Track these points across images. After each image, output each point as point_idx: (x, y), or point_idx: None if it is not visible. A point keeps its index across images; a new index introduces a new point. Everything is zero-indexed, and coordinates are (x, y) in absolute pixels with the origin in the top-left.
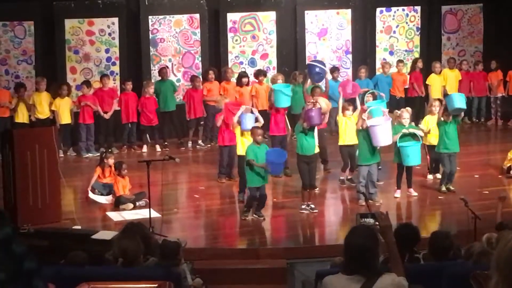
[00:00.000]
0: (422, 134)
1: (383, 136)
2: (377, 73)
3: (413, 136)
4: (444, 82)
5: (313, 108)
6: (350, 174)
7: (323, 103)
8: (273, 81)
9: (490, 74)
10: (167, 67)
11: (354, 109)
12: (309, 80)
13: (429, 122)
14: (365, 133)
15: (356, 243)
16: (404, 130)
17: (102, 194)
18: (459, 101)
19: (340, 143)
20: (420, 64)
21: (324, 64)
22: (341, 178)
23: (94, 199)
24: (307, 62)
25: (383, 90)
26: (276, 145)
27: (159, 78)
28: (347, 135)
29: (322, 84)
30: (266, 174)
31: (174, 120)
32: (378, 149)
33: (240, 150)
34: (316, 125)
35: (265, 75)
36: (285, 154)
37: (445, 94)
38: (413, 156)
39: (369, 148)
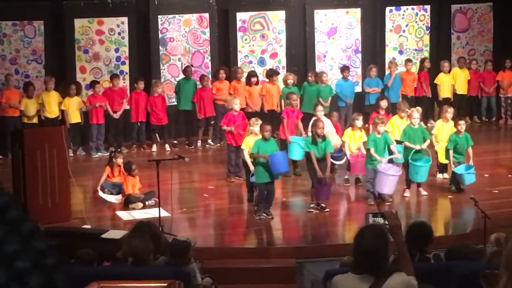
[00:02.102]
0: (429, 142)
1: (388, 185)
2: (387, 72)
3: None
4: (453, 81)
5: (324, 186)
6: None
7: (334, 140)
8: (285, 81)
9: (501, 73)
10: (192, 65)
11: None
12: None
13: (441, 128)
14: (374, 137)
15: (366, 244)
16: (417, 147)
17: (111, 193)
18: (469, 180)
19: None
20: (427, 64)
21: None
22: (345, 177)
23: (104, 198)
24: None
25: (395, 89)
26: (286, 149)
27: (183, 76)
28: (352, 148)
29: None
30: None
31: (189, 119)
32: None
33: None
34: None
35: (277, 75)
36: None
37: (454, 94)
38: (422, 174)
39: (378, 153)
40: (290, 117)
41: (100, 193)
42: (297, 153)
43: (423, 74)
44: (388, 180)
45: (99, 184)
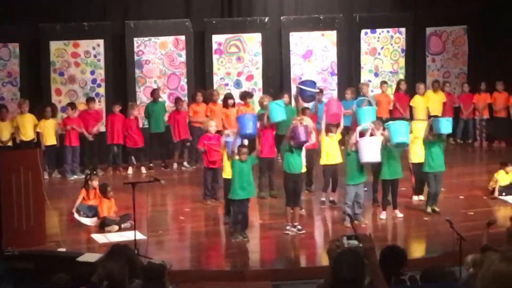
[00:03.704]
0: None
1: (370, 151)
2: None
3: None
4: (427, 103)
5: (300, 126)
6: (332, 195)
7: (308, 120)
8: (260, 103)
9: (477, 95)
10: (159, 88)
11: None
12: (300, 100)
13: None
14: (353, 153)
15: (344, 272)
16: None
17: (87, 216)
18: (445, 127)
19: (322, 162)
20: (402, 86)
21: (314, 84)
22: (322, 199)
23: (79, 221)
24: (297, 84)
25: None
26: (264, 167)
27: (151, 99)
28: (330, 155)
29: (311, 104)
30: (250, 187)
31: (162, 142)
32: (365, 169)
33: (227, 172)
34: (303, 142)
35: (251, 97)
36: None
37: (429, 116)
38: (402, 132)
39: (357, 167)
40: (264, 135)
41: (76, 216)
42: (278, 114)
43: (398, 95)
44: (369, 143)
45: (74, 206)
